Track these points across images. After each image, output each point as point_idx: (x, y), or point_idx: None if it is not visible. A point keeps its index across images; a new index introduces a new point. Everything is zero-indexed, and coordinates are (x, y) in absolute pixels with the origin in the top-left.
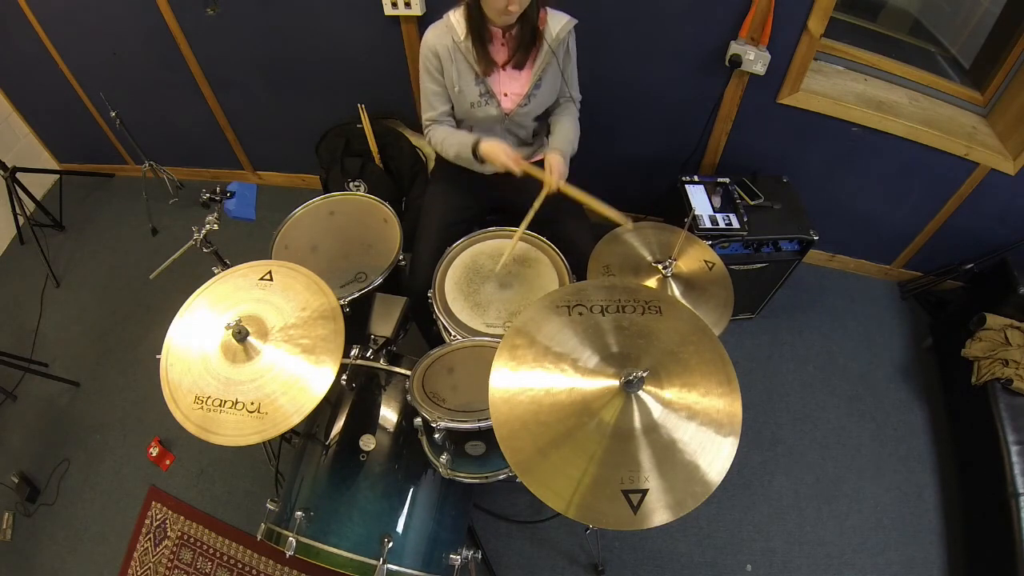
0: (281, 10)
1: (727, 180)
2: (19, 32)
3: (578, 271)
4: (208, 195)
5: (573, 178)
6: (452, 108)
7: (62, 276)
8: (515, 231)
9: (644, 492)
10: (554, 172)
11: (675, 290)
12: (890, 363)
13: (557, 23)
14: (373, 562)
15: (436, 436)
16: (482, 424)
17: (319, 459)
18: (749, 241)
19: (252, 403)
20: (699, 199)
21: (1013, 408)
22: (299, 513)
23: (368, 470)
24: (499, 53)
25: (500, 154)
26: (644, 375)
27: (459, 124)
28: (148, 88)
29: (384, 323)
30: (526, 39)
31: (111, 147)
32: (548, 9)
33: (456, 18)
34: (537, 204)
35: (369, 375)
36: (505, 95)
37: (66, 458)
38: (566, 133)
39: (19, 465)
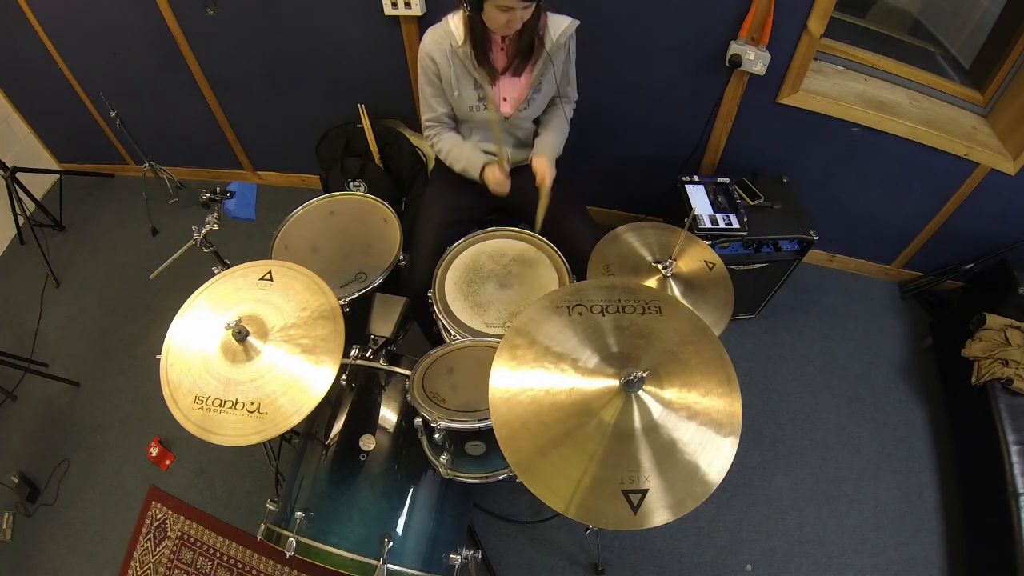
0: (281, 10)
1: (727, 180)
2: (19, 32)
3: (578, 271)
4: (208, 195)
5: (573, 177)
6: (450, 109)
7: (62, 276)
8: (514, 230)
9: (644, 492)
10: (545, 175)
11: (675, 290)
12: (890, 363)
13: (557, 27)
14: (373, 562)
15: (436, 436)
16: (482, 424)
17: (319, 459)
18: (749, 241)
19: (252, 403)
20: (699, 199)
21: (1013, 408)
22: (299, 513)
23: (368, 470)
24: (498, 60)
25: (492, 183)
26: (644, 375)
27: (460, 126)
28: (148, 88)
29: (384, 323)
30: (524, 46)
31: (111, 147)
32: (549, 14)
33: (455, 23)
34: (543, 203)
35: (369, 375)
36: (504, 100)
37: (66, 458)
38: (552, 139)
39: (19, 465)
